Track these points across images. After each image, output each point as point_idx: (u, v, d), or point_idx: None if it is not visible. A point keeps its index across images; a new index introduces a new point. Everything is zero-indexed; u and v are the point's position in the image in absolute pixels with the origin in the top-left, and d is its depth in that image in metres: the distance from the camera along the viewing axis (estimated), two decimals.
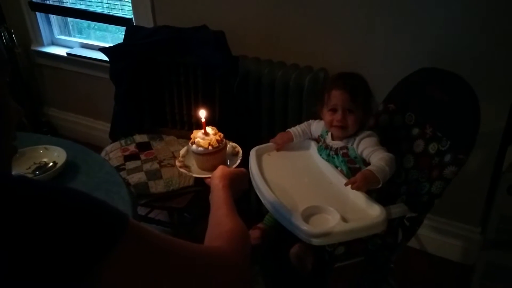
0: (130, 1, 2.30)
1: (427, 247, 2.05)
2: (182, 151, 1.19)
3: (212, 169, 1.02)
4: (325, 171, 1.43)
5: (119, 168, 1.78)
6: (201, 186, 1.62)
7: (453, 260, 2.00)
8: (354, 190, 1.25)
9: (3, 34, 2.62)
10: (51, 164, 1.38)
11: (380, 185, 1.26)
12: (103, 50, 2.00)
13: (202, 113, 1.09)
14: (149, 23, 2.24)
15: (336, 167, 1.42)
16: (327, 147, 1.46)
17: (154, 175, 1.75)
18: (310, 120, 1.59)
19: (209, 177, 1.00)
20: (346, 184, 1.27)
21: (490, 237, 1.62)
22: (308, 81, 1.76)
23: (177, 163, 1.15)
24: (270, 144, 1.55)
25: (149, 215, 2.08)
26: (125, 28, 2.08)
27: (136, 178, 1.73)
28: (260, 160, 1.48)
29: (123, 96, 2.02)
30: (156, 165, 1.81)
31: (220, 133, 1.10)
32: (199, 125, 1.11)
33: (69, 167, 1.37)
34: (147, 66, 1.97)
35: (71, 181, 1.32)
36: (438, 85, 1.43)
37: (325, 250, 1.34)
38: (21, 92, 2.76)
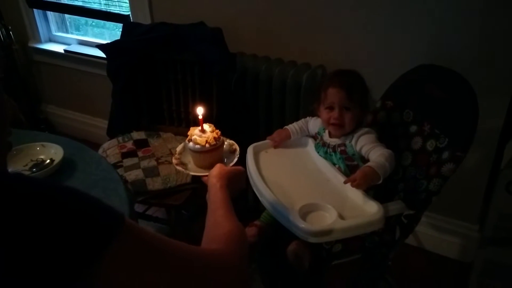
0: None
1: (425, 244, 2.05)
2: (179, 148, 1.18)
3: (209, 166, 1.01)
4: (323, 169, 1.43)
5: (116, 165, 1.78)
6: (199, 184, 1.62)
7: (451, 257, 2.00)
8: (352, 188, 1.25)
9: (1, 31, 2.61)
10: (48, 161, 1.38)
11: (380, 181, 1.25)
12: (100, 47, 2.00)
13: (200, 110, 1.08)
14: (146, 20, 2.24)
15: (334, 164, 1.42)
16: (324, 144, 1.45)
17: (152, 172, 1.75)
18: (308, 117, 1.58)
19: (206, 176, 0.99)
20: (345, 182, 1.26)
21: (488, 235, 1.62)
22: (305, 78, 1.76)
23: (174, 161, 1.14)
24: (267, 141, 1.55)
25: (147, 212, 2.08)
26: (122, 25, 2.07)
27: (134, 175, 1.73)
28: (257, 157, 1.48)
29: (120, 93, 2.02)
30: (153, 162, 1.81)
31: (217, 130, 1.09)
32: (196, 122, 1.11)
33: (66, 164, 1.37)
34: (145, 63, 1.96)
35: (68, 178, 1.32)
36: (437, 82, 1.42)
37: (323, 247, 1.34)
38: (18, 89, 2.75)
